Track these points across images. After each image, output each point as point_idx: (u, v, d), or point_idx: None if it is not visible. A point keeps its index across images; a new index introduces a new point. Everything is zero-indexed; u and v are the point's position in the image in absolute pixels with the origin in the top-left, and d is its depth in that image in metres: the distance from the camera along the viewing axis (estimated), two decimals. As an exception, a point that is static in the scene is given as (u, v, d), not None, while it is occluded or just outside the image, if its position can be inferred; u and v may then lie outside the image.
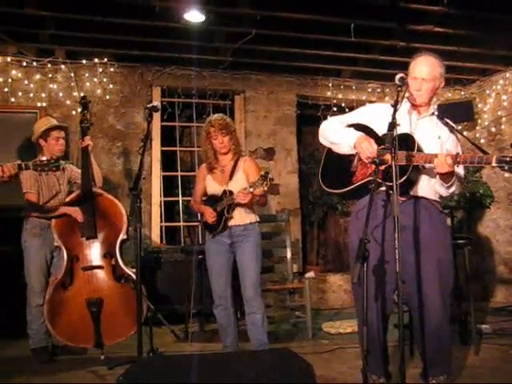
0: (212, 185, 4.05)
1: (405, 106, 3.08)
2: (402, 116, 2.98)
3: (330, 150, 3.32)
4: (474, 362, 3.91)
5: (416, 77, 3.09)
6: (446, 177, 2.95)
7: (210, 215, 3.93)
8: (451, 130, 3.17)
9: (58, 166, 3.61)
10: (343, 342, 4.68)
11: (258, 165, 4.15)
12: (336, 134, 3.23)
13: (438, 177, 3.01)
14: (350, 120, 3.30)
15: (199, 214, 4.28)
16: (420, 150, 2.98)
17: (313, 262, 7.76)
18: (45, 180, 4.36)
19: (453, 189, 3.07)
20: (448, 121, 3.22)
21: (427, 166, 2.99)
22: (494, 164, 2.75)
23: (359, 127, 3.20)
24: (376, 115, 3.20)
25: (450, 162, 2.84)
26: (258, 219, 4.04)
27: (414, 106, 3.15)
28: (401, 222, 2.69)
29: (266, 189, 3.70)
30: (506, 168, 2.72)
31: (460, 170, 3.08)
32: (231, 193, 3.87)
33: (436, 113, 3.25)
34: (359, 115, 3.32)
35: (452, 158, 2.85)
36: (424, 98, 3.11)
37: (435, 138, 3.10)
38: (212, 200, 4.02)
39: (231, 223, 3.92)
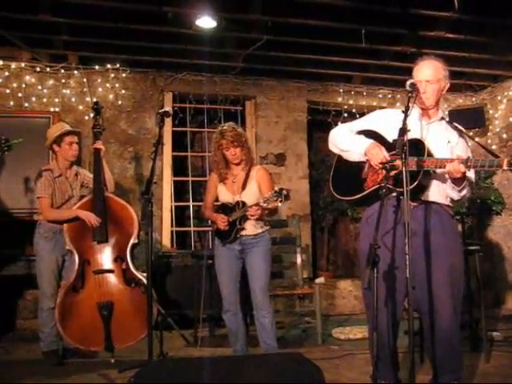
0: (225, 194, 4.03)
1: (414, 111, 3.06)
2: (412, 121, 2.98)
3: (340, 157, 3.33)
4: (484, 369, 3.89)
5: (420, 80, 3.09)
6: (458, 181, 2.95)
7: (221, 221, 3.91)
8: (460, 134, 3.18)
9: (10, 145, 3.67)
10: (353, 347, 4.67)
11: (270, 175, 4.16)
12: (346, 141, 3.24)
13: (449, 180, 3.01)
14: (359, 126, 3.31)
15: (210, 221, 4.29)
16: (430, 154, 2.98)
17: (323, 268, 7.75)
18: (58, 185, 4.40)
19: (464, 192, 3.06)
20: (457, 125, 3.22)
21: (438, 171, 2.99)
22: (505, 167, 2.75)
23: (369, 134, 3.20)
24: (385, 121, 3.21)
25: (462, 168, 2.84)
26: (269, 226, 4.05)
27: (424, 110, 3.15)
28: (412, 228, 2.70)
29: (279, 205, 3.70)
30: None
31: (471, 173, 3.06)
32: (244, 204, 3.87)
33: (446, 118, 3.25)
34: (369, 121, 3.33)
35: (463, 162, 2.85)
36: (430, 100, 3.11)
37: (445, 143, 3.11)
38: (224, 209, 4.01)
39: (242, 233, 3.92)
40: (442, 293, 2.99)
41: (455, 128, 3.18)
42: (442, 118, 3.21)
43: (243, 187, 3.97)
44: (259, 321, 3.90)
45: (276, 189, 3.67)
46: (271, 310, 3.95)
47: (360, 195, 3.15)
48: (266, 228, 4.02)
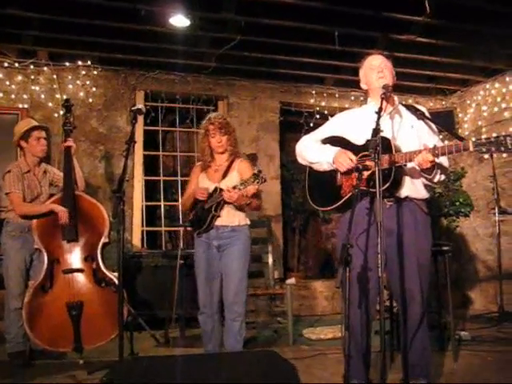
0: (205, 182, 3.95)
1: (373, 109, 2.97)
2: (372, 118, 2.86)
3: (311, 168, 3.35)
4: (453, 368, 3.94)
5: (375, 64, 3.20)
6: (428, 170, 2.97)
7: (200, 192, 3.82)
8: (420, 117, 3.19)
9: None
10: (324, 347, 4.69)
11: (252, 167, 4.02)
12: (313, 153, 3.27)
13: (420, 172, 3.02)
14: (323, 135, 3.34)
15: (187, 215, 4.14)
16: (398, 150, 3.00)
17: (294, 269, 7.77)
18: (26, 181, 4.32)
19: (437, 178, 3.09)
20: (415, 105, 3.27)
21: (409, 165, 3.01)
22: (471, 149, 2.77)
23: (334, 140, 3.24)
24: (345, 123, 3.28)
25: (430, 157, 2.86)
26: (248, 222, 3.93)
27: (381, 102, 3.01)
28: (386, 227, 2.72)
29: (257, 187, 3.64)
30: (484, 150, 2.75)
31: (442, 159, 3.04)
32: (221, 190, 3.76)
33: (400, 102, 3.28)
34: (330, 128, 3.37)
35: (430, 151, 2.86)
36: (388, 78, 3.16)
37: (409, 129, 3.14)
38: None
39: (218, 223, 3.82)
40: (413, 288, 3.03)
41: (414, 111, 3.20)
42: (399, 104, 3.24)
43: (224, 176, 3.89)
44: (228, 323, 3.81)
45: (255, 171, 3.61)
46: (243, 313, 3.81)
47: (339, 203, 3.16)
48: (246, 222, 3.91)
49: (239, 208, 3.85)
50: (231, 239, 3.82)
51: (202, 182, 3.97)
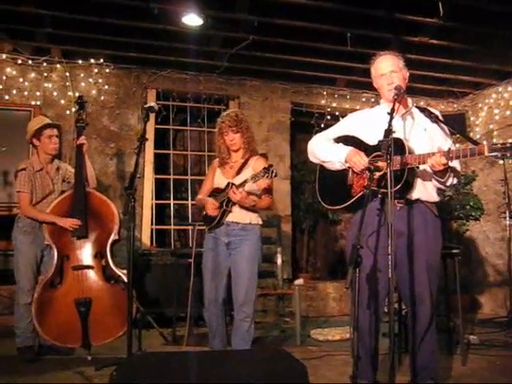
0: (220, 178, 3.92)
1: (385, 110, 2.93)
2: (386, 120, 2.81)
3: (322, 166, 3.33)
4: (461, 372, 3.93)
5: (384, 73, 3.14)
6: (441, 173, 2.95)
7: (211, 206, 3.78)
8: (434, 120, 3.17)
9: None
10: (331, 348, 4.69)
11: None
12: (325, 152, 3.25)
13: (433, 174, 3.01)
14: (335, 133, 3.32)
15: (201, 211, 4.11)
16: (411, 151, 2.98)
17: (302, 269, 7.77)
18: (38, 179, 4.35)
19: (449, 182, 3.08)
20: (430, 109, 3.25)
21: (421, 167, 2.99)
22: (486, 153, 2.75)
23: (347, 139, 3.23)
24: (359, 123, 3.26)
25: (443, 160, 2.84)
26: (261, 222, 3.87)
27: (394, 104, 2.96)
28: (397, 229, 2.70)
29: (268, 182, 3.57)
30: (499, 155, 2.73)
31: (455, 163, 3.03)
32: (233, 185, 3.70)
33: (414, 105, 3.25)
34: (343, 127, 3.35)
35: (444, 155, 2.84)
36: (399, 83, 3.09)
37: (422, 132, 3.12)
38: (216, 193, 3.87)
39: (229, 218, 3.77)
40: (422, 290, 3.03)
41: (429, 114, 3.18)
42: (413, 106, 3.22)
43: (238, 173, 3.85)
44: (236, 323, 3.78)
45: (265, 165, 3.56)
46: (252, 313, 3.75)
47: (349, 202, 3.15)
48: (258, 221, 3.84)
49: (248, 208, 3.78)
50: (241, 238, 3.77)
51: (216, 179, 3.95)
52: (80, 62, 6.44)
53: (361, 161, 3.03)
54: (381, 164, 2.97)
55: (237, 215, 3.79)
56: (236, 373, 2.08)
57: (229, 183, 3.77)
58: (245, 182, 3.63)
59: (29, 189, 4.28)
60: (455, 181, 3.14)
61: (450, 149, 2.89)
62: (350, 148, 3.13)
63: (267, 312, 6.11)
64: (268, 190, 3.79)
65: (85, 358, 4.08)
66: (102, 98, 6.54)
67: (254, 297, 3.81)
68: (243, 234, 3.78)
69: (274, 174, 3.49)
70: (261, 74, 7.01)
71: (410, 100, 3.25)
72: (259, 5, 5.45)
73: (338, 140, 3.27)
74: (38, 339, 4.29)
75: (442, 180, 3.03)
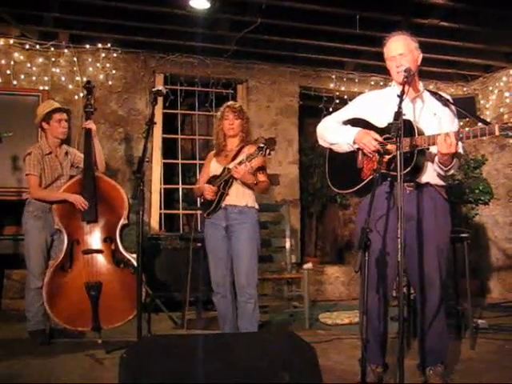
0: (215, 166, 3.99)
1: (395, 92, 2.95)
2: (395, 101, 2.80)
3: (331, 150, 3.31)
4: (470, 355, 3.94)
5: (393, 55, 3.08)
6: (447, 158, 2.90)
7: (209, 191, 3.86)
8: (445, 103, 3.13)
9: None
10: (340, 332, 4.70)
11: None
12: (334, 134, 3.22)
13: (436, 160, 2.97)
14: (344, 116, 3.29)
15: (198, 199, 4.21)
16: (420, 133, 2.94)
17: (311, 254, 7.78)
18: (48, 163, 4.36)
19: (452, 171, 3.04)
20: (441, 93, 3.20)
21: (431, 148, 2.96)
22: (497, 133, 2.71)
23: (355, 121, 3.19)
24: (368, 105, 3.21)
25: (453, 140, 2.79)
26: (257, 206, 3.94)
27: (403, 86, 2.93)
28: (406, 212, 2.69)
29: (262, 160, 3.70)
30: (511, 135, 2.70)
31: (459, 148, 2.99)
32: (230, 170, 3.82)
33: (424, 89, 3.20)
34: (352, 109, 3.31)
35: (455, 135, 2.80)
36: (409, 65, 3.03)
37: (432, 116, 3.08)
38: (212, 179, 3.95)
39: (226, 202, 3.84)
40: (432, 273, 3.03)
41: (439, 98, 3.14)
42: (424, 90, 3.18)
43: (233, 159, 3.92)
44: (241, 305, 3.83)
45: (260, 144, 3.63)
46: (255, 295, 3.83)
47: (359, 186, 3.13)
48: (254, 205, 3.92)
49: (248, 186, 3.86)
50: (239, 221, 3.84)
51: (212, 168, 4.02)
52: (87, 46, 6.42)
53: (372, 141, 2.99)
54: (390, 147, 2.95)
55: (234, 198, 3.86)
56: (245, 355, 2.10)
57: (225, 168, 3.87)
58: (241, 162, 3.74)
59: (38, 172, 4.30)
60: (455, 170, 3.12)
61: (459, 129, 2.86)
62: (359, 129, 3.09)
63: (275, 296, 6.12)
64: (262, 169, 3.89)
65: (95, 341, 4.12)
66: (110, 82, 6.53)
67: (256, 279, 3.88)
68: (241, 217, 3.85)
69: (267, 152, 3.58)
70: (269, 57, 6.97)
71: (421, 84, 3.20)
72: (267, -13, 5.41)
73: (347, 123, 3.23)
74: (49, 323, 4.33)
75: (446, 168, 2.97)
